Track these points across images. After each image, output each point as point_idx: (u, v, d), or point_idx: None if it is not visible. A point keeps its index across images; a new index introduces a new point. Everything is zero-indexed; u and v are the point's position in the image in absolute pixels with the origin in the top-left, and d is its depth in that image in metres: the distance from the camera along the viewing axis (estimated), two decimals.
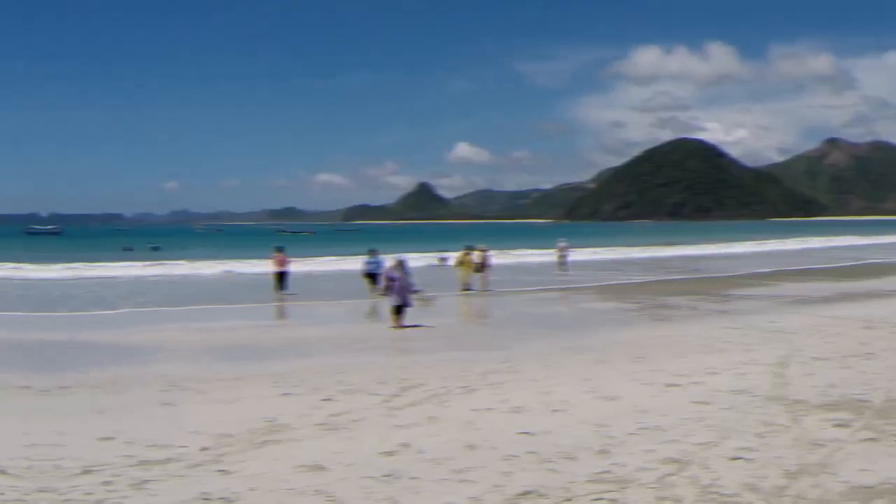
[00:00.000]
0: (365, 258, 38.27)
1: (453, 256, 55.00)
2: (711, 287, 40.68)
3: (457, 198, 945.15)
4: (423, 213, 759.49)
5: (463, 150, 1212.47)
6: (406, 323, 25.66)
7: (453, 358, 19.81)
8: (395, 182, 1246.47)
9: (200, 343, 23.63)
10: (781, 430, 11.69)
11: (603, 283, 44.89)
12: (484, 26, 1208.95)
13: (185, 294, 39.79)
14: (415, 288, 26.63)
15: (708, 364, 17.59)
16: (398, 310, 25.93)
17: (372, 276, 36.36)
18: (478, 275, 39.87)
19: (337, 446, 11.31)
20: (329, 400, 14.66)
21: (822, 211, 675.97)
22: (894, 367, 16.49)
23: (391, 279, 26.19)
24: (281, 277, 38.41)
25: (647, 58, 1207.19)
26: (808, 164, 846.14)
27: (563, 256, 56.33)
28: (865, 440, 11.14)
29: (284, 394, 15.40)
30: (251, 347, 23.00)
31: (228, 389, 16.00)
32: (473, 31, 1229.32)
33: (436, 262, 61.36)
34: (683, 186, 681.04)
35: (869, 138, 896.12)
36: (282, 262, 38.67)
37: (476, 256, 40.22)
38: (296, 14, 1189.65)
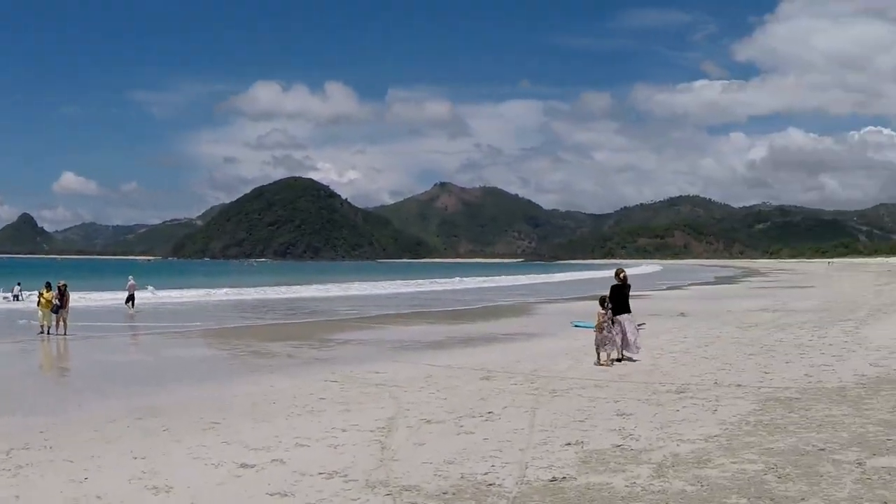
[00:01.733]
0: None
1: (27, 291, 50.74)
2: (315, 331, 37.47)
3: (60, 231, 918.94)
4: (23, 247, 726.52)
5: (69, 180, 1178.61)
6: None
7: None
8: None
9: None
10: None
11: (199, 327, 40.97)
12: (97, 52, 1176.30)
13: None
14: None
15: (298, 431, 14.23)
16: None
17: None
18: (55, 316, 35.00)
19: None
20: None
21: (431, 253, 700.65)
22: (522, 432, 13.56)
23: None
24: None
25: (265, 94, 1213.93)
26: (420, 207, 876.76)
27: (131, 295, 53.33)
28: None
29: None
30: None
31: None
32: (85, 56, 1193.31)
33: (10, 297, 57.04)
34: (294, 226, 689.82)
35: (479, 184, 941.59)
36: None
37: (55, 295, 35.23)
38: None
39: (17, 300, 56.12)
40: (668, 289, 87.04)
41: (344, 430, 14.19)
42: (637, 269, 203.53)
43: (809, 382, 18.02)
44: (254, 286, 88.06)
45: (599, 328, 22.81)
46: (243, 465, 11.79)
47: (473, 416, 15.19)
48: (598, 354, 22.68)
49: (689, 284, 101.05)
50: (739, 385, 17.89)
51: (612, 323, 22.95)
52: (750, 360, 22.29)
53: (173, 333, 37.59)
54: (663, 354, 24.21)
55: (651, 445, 12.35)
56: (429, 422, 14.81)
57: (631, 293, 24.44)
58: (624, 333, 23.28)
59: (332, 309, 55.82)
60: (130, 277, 55.35)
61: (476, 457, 11.96)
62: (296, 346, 30.84)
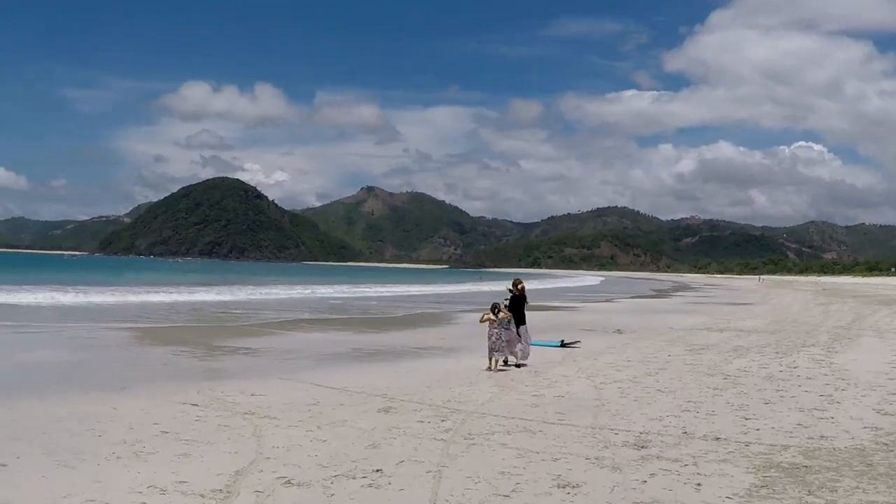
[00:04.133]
0: None
1: None
2: (209, 336, 32.87)
3: None
4: None
5: None
6: None
7: None
8: None
9: None
10: None
11: (81, 327, 35.92)
12: (27, 47, 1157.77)
13: None
14: None
15: (100, 487, 10.03)
16: None
17: None
18: None
19: None
20: None
21: (357, 257, 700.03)
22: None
23: None
24: None
25: (195, 94, 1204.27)
26: (346, 211, 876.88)
27: None
28: None
29: None
30: None
31: None
32: (15, 52, 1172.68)
33: None
34: (220, 226, 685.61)
35: (406, 189, 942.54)
36: None
37: None
38: None
39: None
40: (605, 301, 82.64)
41: (163, 492, 9.88)
42: (577, 280, 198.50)
43: (811, 439, 13.39)
44: (175, 286, 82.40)
45: (489, 334, 23.33)
46: None
47: (354, 476, 10.79)
48: (490, 361, 23.07)
49: (631, 297, 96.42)
50: (718, 438, 13.37)
51: (503, 329, 23.36)
52: (719, 398, 17.70)
53: (51, 332, 33.22)
54: (607, 383, 19.82)
55: None
56: (289, 483, 10.43)
57: (530, 304, 26.17)
58: (511, 341, 23.83)
59: (239, 312, 50.60)
60: None
61: None
62: (177, 352, 26.59)
